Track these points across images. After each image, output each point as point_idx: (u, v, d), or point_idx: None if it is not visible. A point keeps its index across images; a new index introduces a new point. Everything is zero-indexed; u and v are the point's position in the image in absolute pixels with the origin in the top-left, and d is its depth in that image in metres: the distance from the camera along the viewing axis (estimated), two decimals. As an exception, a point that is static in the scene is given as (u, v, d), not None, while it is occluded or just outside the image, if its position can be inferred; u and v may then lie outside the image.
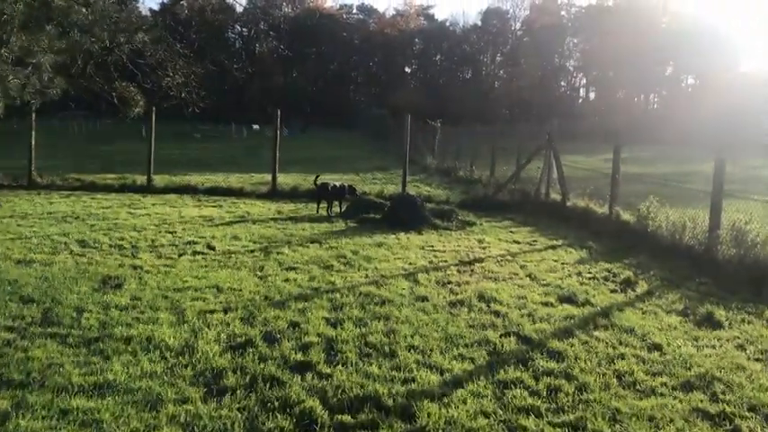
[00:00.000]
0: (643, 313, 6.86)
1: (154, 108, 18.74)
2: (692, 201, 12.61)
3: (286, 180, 19.76)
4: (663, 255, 10.38)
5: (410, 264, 8.91)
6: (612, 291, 7.98)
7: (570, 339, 5.82)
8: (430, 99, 77.62)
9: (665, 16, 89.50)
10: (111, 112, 22.02)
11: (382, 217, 12.91)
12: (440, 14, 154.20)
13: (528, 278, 8.43)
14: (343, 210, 14.14)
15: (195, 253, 9.26)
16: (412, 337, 5.67)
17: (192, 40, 23.52)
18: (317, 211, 14.07)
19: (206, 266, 8.38)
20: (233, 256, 9.10)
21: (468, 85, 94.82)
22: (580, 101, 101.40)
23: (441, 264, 9.06)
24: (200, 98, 19.72)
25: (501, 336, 5.83)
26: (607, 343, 5.79)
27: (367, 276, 8.04)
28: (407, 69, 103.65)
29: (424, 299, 6.98)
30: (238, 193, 17.52)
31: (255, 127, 63.65)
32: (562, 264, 9.59)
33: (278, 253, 9.35)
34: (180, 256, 9.07)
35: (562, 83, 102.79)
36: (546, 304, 7.07)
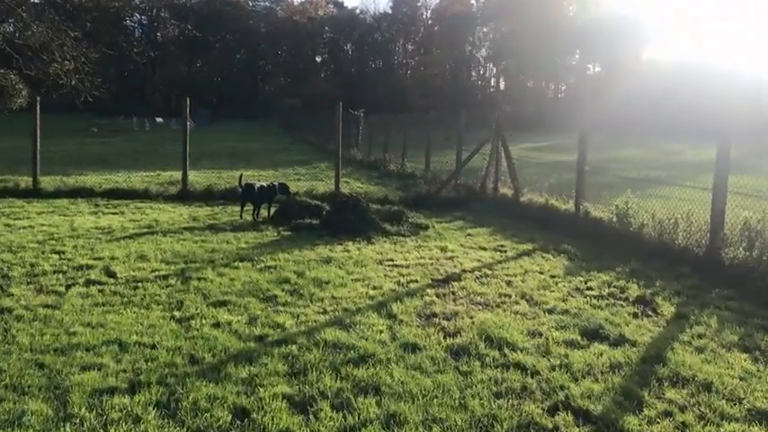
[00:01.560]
0: (699, 352, 5.22)
1: (38, 98, 15.89)
2: (635, 189, 11.30)
3: (198, 178, 17.39)
4: (655, 259, 8.92)
5: (374, 288, 6.99)
6: (634, 315, 6.35)
7: (645, 411, 4.08)
8: (343, 89, 75.59)
9: (572, 5, 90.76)
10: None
11: (321, 222, 10.91)
12: (350, 2, 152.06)
13: (524, 301, 6.69)
14: (271, 214, 12.05)
15: (89, 283, 7.01)
16: (425, 426, 3.76)
17: (84, 22, 20.58)
18: (241, 216, 11.93)
19: (103, 305, 6.18)
20: (140, 285, 6.91)
21: (381, 74, 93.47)
22: (491, 90, 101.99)
23: (411, 285, 7.19)
24: (93, 86, 16.98)
25: (547, 411, 4.02)
26: (698, 414, 4.08)
27: (325, 311, 6.07)
28: (318, 59, 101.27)
29: (415, 348, 5.08)
30: (143, 196, 15.04)
31: (159, 120, 59.92)
32: (551, 276, 7.92)
33: (199, 279, 7.22)
34: (68, 288, 6.80)
35: (473, 72, 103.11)
36: (572, 344, 5.33)
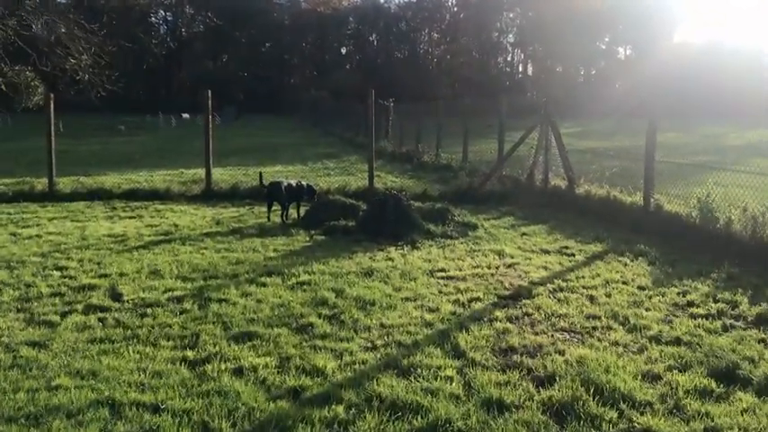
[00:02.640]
0: None
1: (52, 96, 14.84)
2: (685, 177, 9.92)
3: (223, 176, 16.27)
4: (751, 262, 7.55)
5: (430, 310, 5.74)
6: (761, 341, 5.01)
7: None
8: (369, 80, 74.19)
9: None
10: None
11: (358, 224, 9.67)
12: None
13: (620, 325, 5.38)
14: (302, 215, 10.86)
15: (89, 309, 5.86)
16: None
17: (104, 17, 19.53)
18: (268, 219, 10.75)
19: (101, 341, 5.02)
20: (149, 312, 5.74)
21: (407, 63, 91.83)
22: (519, 76, 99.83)
23: (475, 305, 5.92)
24: (109, 80, 15.90)
25: None
26: None
27: (374, 346, 4.83)
28: (343, 50, 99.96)
29: (501, 406, 3.80)
30: (164, 197, 13.92)
31: (185, 116, 59.15)
32: (639, 288, 6.60)
33: (220, 301, 6.02)
34: (64, 317, 5.66)
35: (500, 59, 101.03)
36: (706, 394, 4.03)
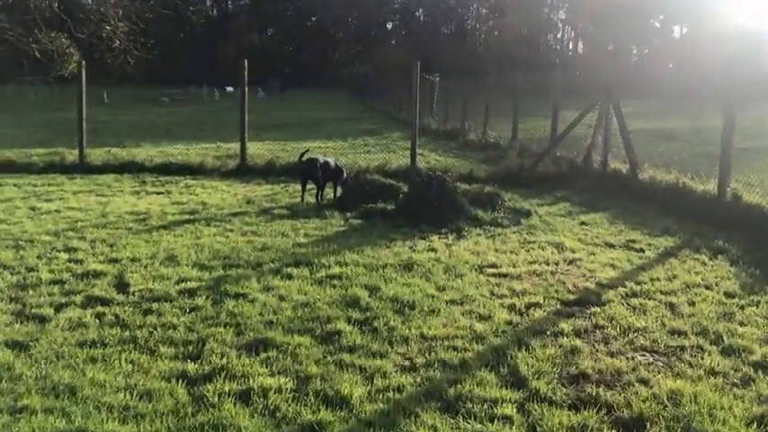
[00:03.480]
0: None
1: (83, 63, 14.24)
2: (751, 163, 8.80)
3: (260, 151, 15.53)
4: None
5: (481, 318, 4.84)
6: None
7: None
8: (414, 55, 72.86)
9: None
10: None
11: (398, 208, 8.79)
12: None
13: (713, 346, 4.40)
14: (338, 196, 10.04)
15: (89, 302, 5.13)
16: None
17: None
18: (302, 199, 9.94)
19: (92, 345, 4.26)
20: (154, 308, 4.98)
21: (453, 39, 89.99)
22: (570, 54, 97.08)
23: (534, 313, 4.99)
24: (143, 47, 15.23)
25: None
26: None
27: (413, 366, 3.97)
28: (389, 26, 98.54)
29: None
30: (197, 171, 13.23)
31: (229, 89, 58.70)
32: (726, 295, 5.59)
33: (237, 297, 5.22)
34: (58, 310, 4.94)
35: (549, 36, 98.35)
36: None
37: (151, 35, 16.45)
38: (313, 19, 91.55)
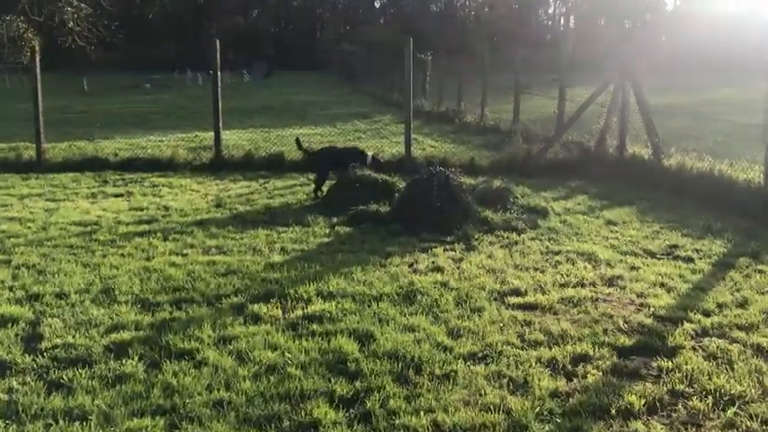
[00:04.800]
0: None
1: (37, 48, 12.74)
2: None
3: (240, 140, 14.18)
4: None
5: (513, 385, 3.50)
6: None
7: None
8: (404, 34, 71.12)
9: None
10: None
11: (393, 210, 7.43)
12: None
13: None
14: (323, 194, 8.70)
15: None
16: None
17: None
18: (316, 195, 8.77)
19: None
20: (64, 379, 3.62)
21: (443, 17, 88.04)
22: (561, 29, 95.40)
23: (582, 370, 3.67)
24: (107, 30, 13.73)
25: None
26: None
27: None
28: (377, 4, 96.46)
29: None
30: (167, 166, 11.80)
31: (215, 73, 57.02)
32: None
33: (181, 356, 3.87)
34: None
35: (540, 11, 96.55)
36: None
37: (122, 18, 14.91)
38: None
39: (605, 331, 4.21)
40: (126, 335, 4.20)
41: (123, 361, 3.83)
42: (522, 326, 4.31)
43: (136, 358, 3.85)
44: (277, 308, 4.65)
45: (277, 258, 5.95)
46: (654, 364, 3.75)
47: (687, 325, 4.33)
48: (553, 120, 14.46)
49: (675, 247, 6.43)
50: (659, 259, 6.02)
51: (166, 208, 8.33)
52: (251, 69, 55.45)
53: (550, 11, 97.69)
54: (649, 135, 10.38)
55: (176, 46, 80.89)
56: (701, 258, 6.03)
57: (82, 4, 14.42)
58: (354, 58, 51.27)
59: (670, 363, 3.74)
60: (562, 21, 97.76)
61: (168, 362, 3.79)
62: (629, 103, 10.94)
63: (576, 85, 13.75)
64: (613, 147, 11.23)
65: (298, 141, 9.78)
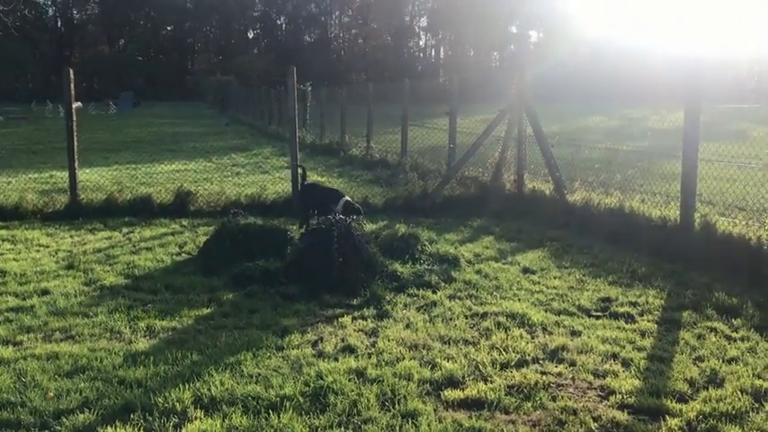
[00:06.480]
0: None
1: None
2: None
3: (103, 179, 12.58)
4: None
5: None
6: None
7: None
8: (278, 64, 70.10)
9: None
10: None
11: (286, 267, 6.25)
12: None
13: None
14: (200, 248, 7.40)
15: None
16: None
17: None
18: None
19: None
20: None
21: (317, 47, 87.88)
22: (432, 61, 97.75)
23: None
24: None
25: None
26: None
27: None
28: (250, 34, 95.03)
29: None
30: (12, 215, 10.03)
31: (77, 104, 53.33)
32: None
33: None
34: None
35: (411, 43, 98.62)
36: None
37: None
38: (168, 29, 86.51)
39: (576, 442, 3.28)
40: None
41: None
42: (470, 439, 3.29)
43: None
44: (140, 431, 3.38)
45: (141, 345, 4.64)
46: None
47: (670, 420, 3.48)
48: (440, 151, 13.86)
49: (608, 300, 5.70)
50: (597, 318, 5.24)
51: (2, 273, 6.75)
52: (118, 100, 52.50)
53: (421, 43, 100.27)
54: (550, 168, 9.84)
55: (39, 76, 75.84)
56: (641, 315, 5.31)
57: None
58: (229, 88, 49.64)
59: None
60: (433, 52, 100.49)
61: None
62: (525, 134, 10.43)
63: (459, 115, 13.18)
64: (510, 181, 10.65)
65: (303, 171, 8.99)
